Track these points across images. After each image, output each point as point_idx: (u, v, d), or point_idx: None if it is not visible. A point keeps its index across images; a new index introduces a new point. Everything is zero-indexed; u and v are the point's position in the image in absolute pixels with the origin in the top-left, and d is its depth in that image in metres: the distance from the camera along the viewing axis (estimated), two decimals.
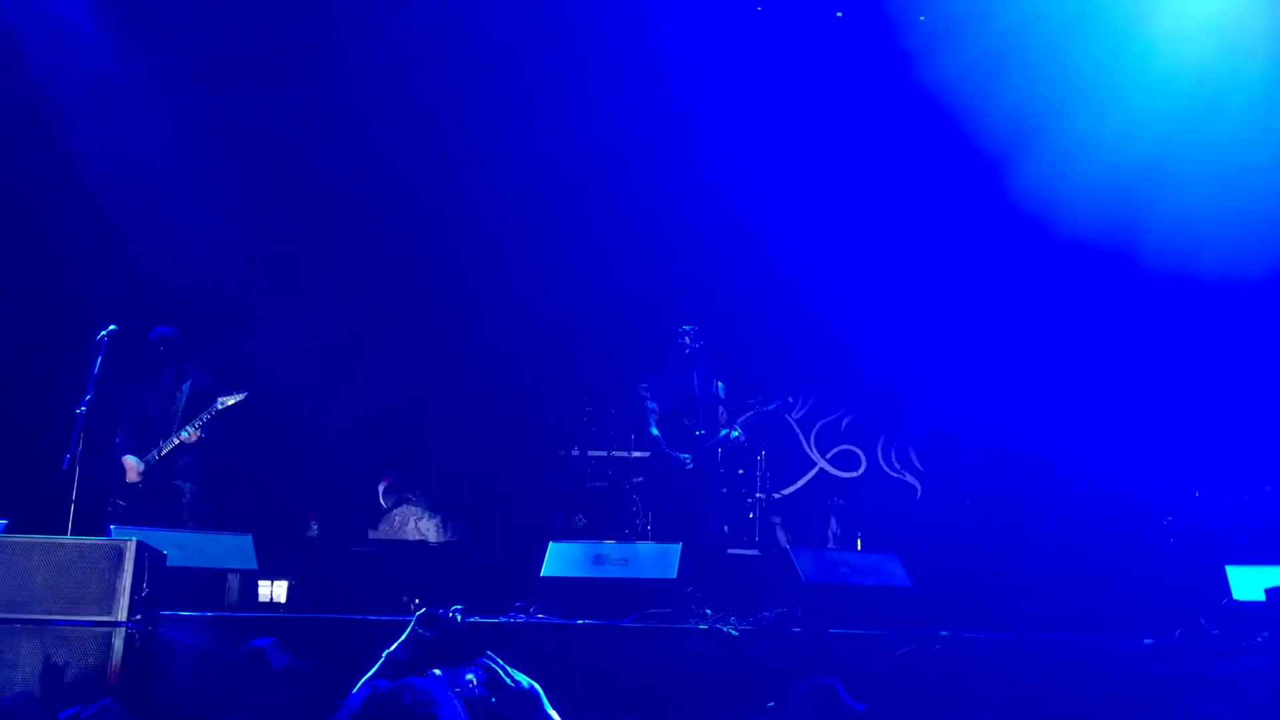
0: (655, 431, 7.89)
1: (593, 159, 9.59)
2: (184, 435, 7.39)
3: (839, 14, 9.30)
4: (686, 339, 7.83)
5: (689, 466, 7.65)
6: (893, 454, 10.43)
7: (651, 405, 7.94)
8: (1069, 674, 5.71)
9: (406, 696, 2.42)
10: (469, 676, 3.01)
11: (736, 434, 7.80)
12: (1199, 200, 8.36)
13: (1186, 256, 8.73)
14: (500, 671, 2.89)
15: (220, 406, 7.42)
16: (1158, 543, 7.60)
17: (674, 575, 6.41)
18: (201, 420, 7.40)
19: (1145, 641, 5.98)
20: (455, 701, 2.50)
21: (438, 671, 3.05)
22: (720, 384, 8.02)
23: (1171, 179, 8.46)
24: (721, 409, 7.98)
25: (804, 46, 9.23)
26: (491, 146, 9.52)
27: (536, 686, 2.90)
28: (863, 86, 9.23)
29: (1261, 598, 6.09)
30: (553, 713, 2.87)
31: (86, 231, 8.94)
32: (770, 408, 7.89)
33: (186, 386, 7.57)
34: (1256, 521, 7.53)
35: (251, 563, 6.69)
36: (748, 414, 8.00)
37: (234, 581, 6.64)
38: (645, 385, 8.07)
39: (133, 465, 7.42)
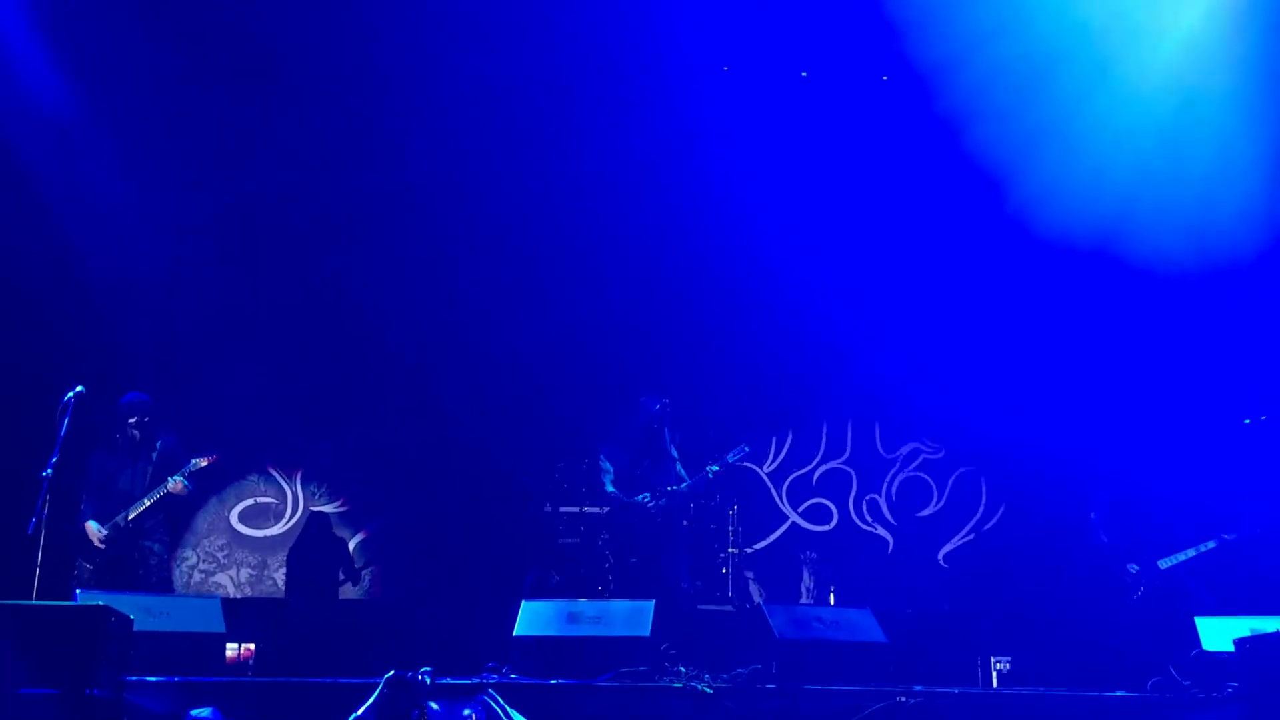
0: (611, 489, 7.90)
1: (570, 218, 9.69)
2: (171, 485, 7.34)
3: (804, 74, 9.49)
4: (646, 410, 7.90)
5: (649, 506, 7.65)
6: (864, 506, 10.48)
7: (606, 466, 7.97)
8: None
9: None
10: (466, 712, 2.99)
11: (714, 469, 7.82)
12: (1167, 245, 8.55)
13: (1156, 299, 8.91)
14: (499, 711, 2.87)
15: (193, 467, 7.39)
16: (1127, 595, 7.65)
17: (648, 633, 6.37)
18: (185, 473, 7.37)
19: (1117, 694, 6.00)
20: None
21: (436, 706, 3.03)
22: (675, 451, 8.06)
23: (1138, 225, 8.65)
24: (680, 468, 8.01)
25: (777, 103, 9.41)
26: (466, 199, 9.59)
27: None
28: (836, 137, 9.41)
29: (1230, 648, 6.13)
30: None
31: (49, 291, 8.91)
32: (731, 457, 7.87)
33: (156, 450, 7.52)
34: (1223, 572, 7.60)
35: (219, 626, 6.60)
36: (713, 467, 7.97)
37: None
38: (599, 448, 8.12)
39: (94, 532, 7.35)
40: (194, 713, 3.99)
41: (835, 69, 9.40)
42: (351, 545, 9.92)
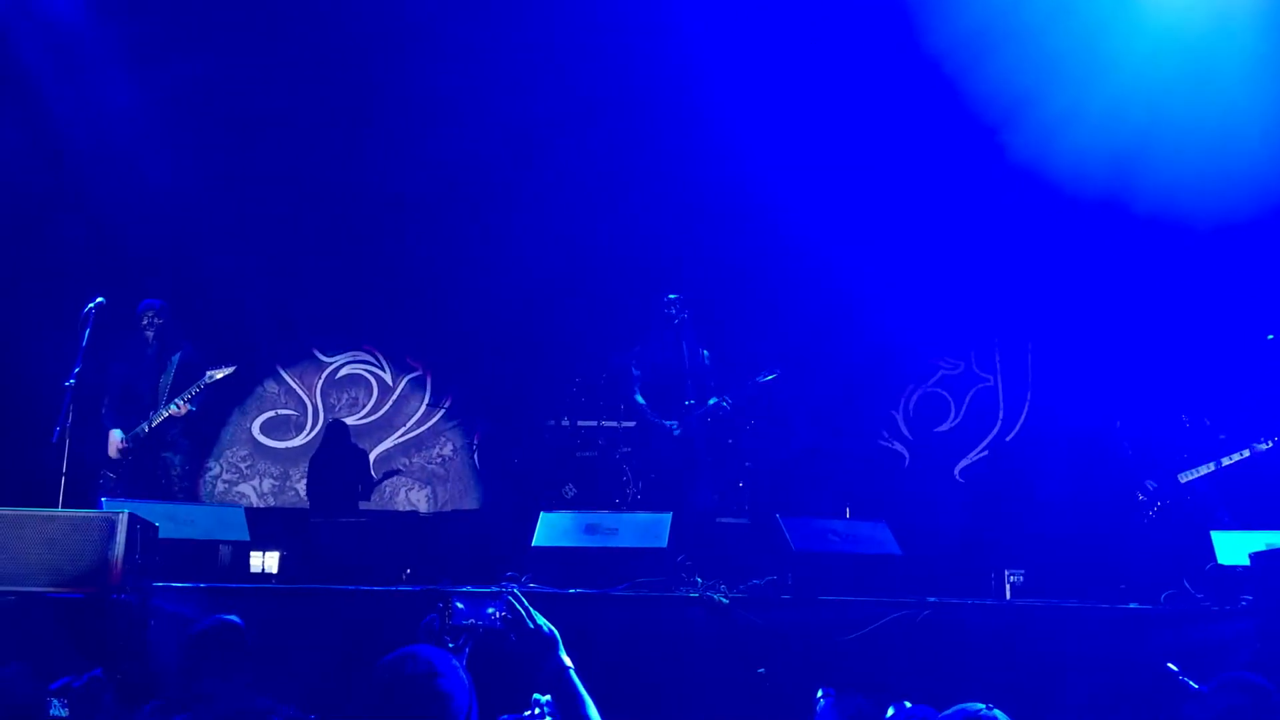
0: (640, 399, 7.86)
1: (581, 126, 9.54)
2: (173, 408, 7.39)
3: None
4: (672, 309, 7.82)
5: (676, 433, 7.66)
6: (881, 423, 10.47)
7: (636, 373, 7.92)
8: (1055, 639, 5.77)
9: (409, 667, 2.43)
10: (490, 610, 3.03)
11: (727, 403, 7.78)
12: (1187, 171, 8.39)
13: (1175, 225, 8.78)
14: (523, 611, 2.91)
15: (209, 380, 7.41)
16: (1142, 508, 7.65)
17: (664, 544, 6.42)
18: (191, 393, 7.39)
19: (1130, 606, 6.04)
20: (459, 670, 2.51)
21: (461, 605, 3.07)
22: (706, 352, 8.01)
23: (1160, 151, 8.48)
24: (710, 377, 7.98)
25: (797, 13, 9.17)
26: (481, 111, 9.45)
27: (555, 631, 2.92)
28: (854, 55, 9.17)
29: (1245, 562, 6.15)
30: (567, 658, 2.89)
31: (68, 203, 8.90)
32: (762, 380, 7.82)
33: (175, 359, 7.56)
34: (1239, 486, 7.58)
35: (244, 534, 6.69)
36: (740, 389, 7.91)
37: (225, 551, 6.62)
38: (630, 354, 8.06)
39: (115, 441, 7.41)
40: (223, 617, 4.05)
41: None
42: (373, 456, 10.04)
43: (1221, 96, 8.34)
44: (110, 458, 7.40)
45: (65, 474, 6.53)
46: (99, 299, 6.94)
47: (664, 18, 8.96)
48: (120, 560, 5.11)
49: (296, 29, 9.10)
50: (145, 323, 7.52)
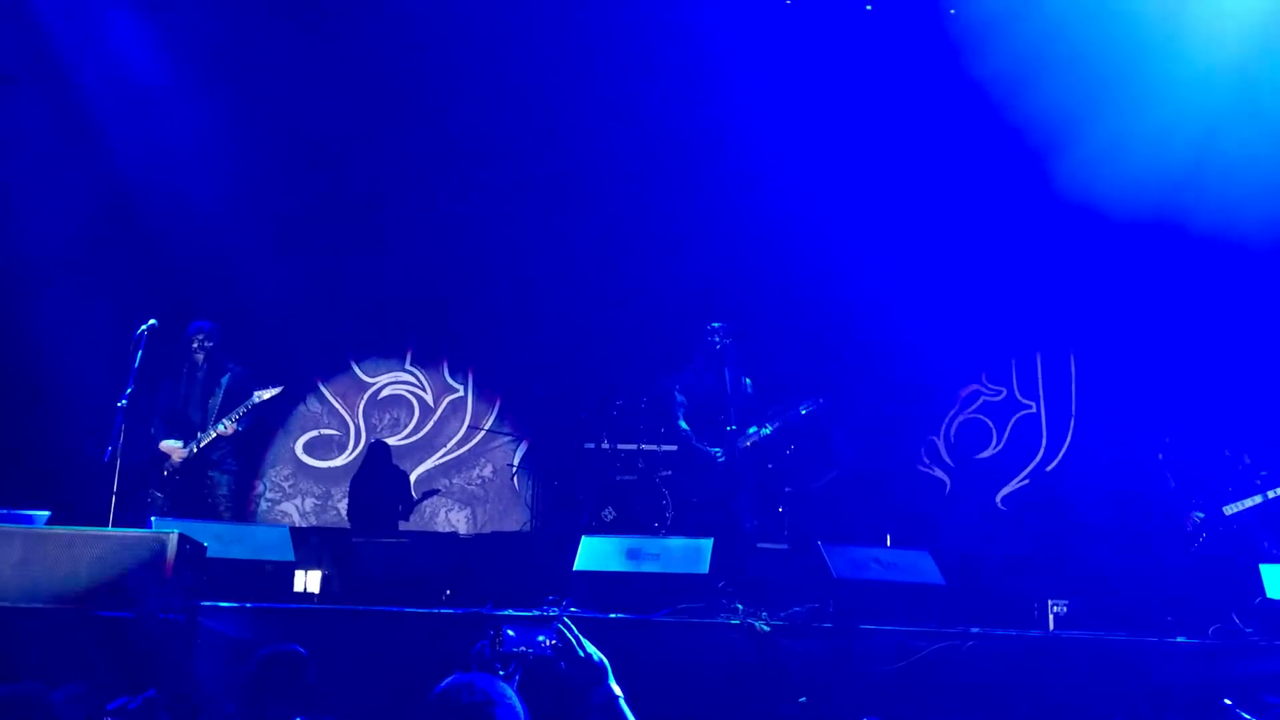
0: (684, 425, 7.86)
1: (625, 153, 9.61)
2: (220, 428, 7.48)
3: (868, 7, 9.27)
4: (715, 336, 7.84)
5: (721, 460, 7.66)
6: (922, 449, 10.42)
7: (680, 399, 7.92)
8: (1100, 673, 5.71)
9: (465, 695, 2.46)
10: (541, 638, 3.06)
11: (767, 431, 7.77)
12: (1237, 199, 8.32)
13: (1221, 256, 8.71)
14: (573, 640, 2.93)
15: (256, 400, 7.51)
16: (1188, 539, 7.57)
17: (706, 570, 6.42)
18: (238, 413, 7.49)
19: (1177, 640, 5.97)
20: (514, 700, 2.54)
21: (511, 632, 3.10)
22: (748, 380, 8.00)
23: (1210, 178, 8.42)
24: (752, 405, 7.97)
25: (840, 43, 9.21)
26: (528, 140, 9.56)
27: (605, 660, 2.94)
28: (899, 83, 9.20)
29: None
30: (616, 687, 2.90)
31: (119, 227, 9.06)
32: (805, 410, 7.80)
33: (224, 380, 7.66)
34: None
35: (289, 554, 6.75)
36: (782, 419, 7.88)
37: None
38: (674, 380, 8.07)
39: (174, 447, 7.50)
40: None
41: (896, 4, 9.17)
42: (414, 476, 10.11)
43: (1270, 126, 8.28)
44: (160, 477, 7.50)
45: (116, 493, 6.62)
46: (151, 321, 7.05)
47: (716, 47, 9.03)
48: (169, 579, 5.18)
49: (337, 49, 9.25)
50: (195, 345, 7.64)
